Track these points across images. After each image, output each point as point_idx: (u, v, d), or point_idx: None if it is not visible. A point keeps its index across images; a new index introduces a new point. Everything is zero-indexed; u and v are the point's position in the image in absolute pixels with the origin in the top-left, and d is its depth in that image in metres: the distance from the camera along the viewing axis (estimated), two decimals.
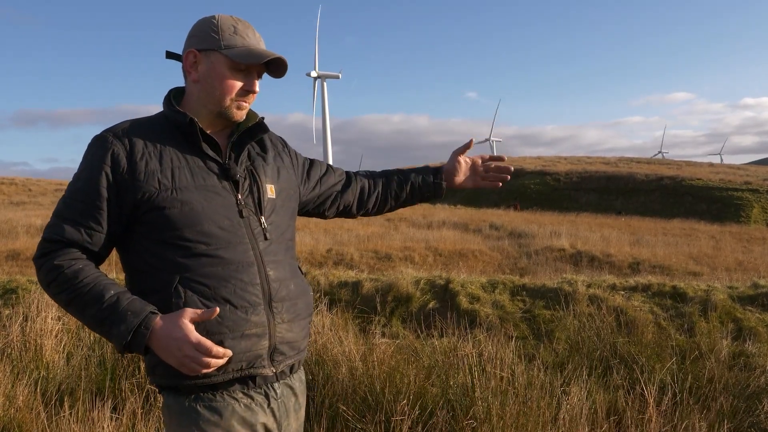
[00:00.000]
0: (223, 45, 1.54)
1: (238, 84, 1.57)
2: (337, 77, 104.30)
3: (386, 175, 1.98)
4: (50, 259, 1.45)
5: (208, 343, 1.40)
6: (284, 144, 1.82)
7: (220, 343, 1.45)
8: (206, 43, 1.56)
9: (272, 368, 1.54)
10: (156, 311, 1.42)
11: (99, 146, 1.50)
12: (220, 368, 1.46)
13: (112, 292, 1.42)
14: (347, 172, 1.96)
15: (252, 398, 1.53)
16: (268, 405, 1.56)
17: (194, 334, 1.40)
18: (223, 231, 1.50)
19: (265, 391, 1.55)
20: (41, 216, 19.90)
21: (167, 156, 1.51)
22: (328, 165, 1.92)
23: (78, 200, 1.48)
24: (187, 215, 1.48)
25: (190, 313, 1.41)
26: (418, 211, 25.89)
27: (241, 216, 1.54)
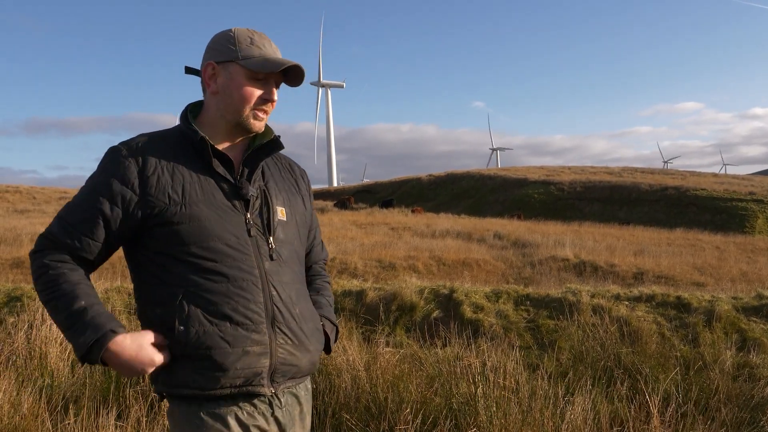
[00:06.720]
0: (240, 56, 1.57)
1: (257, 93, 1.58)
2: (341, 86, 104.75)
3: (317, 291, 1.83)
4: (41, 256, 1.50)
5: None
6: (303, 174, 1.83)
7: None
8: (224, 55, 1.58)
9: (271, 388, 1.54)
10: (118, 329, 1.44)
11: (111, 159, 1.53)
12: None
13: (83, 302, 1.44)
14: (316, 264, 1.88)
15: (255, 407, 1.54)
16: (272, 414, 1.56)
17: (159, 356, 1.46)
18: (230, 248, 1.52)
19: (269, 400, 1.56)
20: (45, 224, 19.89)
21: (179, 171, 1.53)
22: (318, 243, 1.88)
23: (79, 207, 1.52)
24: (196, 231, 1.49)
25: (154, 336, 1.47)
26: (422, 220, 25.87)
27: (249, 235, 1.55)
